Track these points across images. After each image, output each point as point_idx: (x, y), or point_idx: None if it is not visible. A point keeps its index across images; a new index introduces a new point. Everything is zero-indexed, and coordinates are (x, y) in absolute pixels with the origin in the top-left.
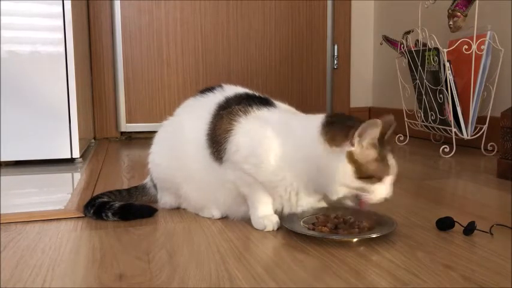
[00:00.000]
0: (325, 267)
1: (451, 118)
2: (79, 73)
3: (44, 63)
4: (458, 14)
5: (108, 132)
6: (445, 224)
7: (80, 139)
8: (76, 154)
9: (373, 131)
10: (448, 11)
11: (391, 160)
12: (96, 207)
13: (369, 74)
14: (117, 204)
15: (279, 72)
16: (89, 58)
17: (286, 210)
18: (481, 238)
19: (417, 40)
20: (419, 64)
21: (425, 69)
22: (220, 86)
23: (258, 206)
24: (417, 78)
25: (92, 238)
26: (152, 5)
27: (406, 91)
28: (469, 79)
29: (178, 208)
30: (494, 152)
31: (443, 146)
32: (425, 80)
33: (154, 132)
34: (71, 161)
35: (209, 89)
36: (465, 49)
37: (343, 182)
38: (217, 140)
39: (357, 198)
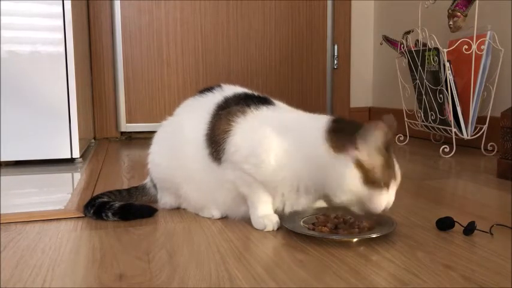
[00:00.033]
0: (325, 267)
1: (451, 118)
2: (79, 73)
3: (44, 63)
4: (458, 14)
5: (108, 132)
6: (445, 224)
7: (80, 139)
8: (76, 154)
9: (377, 134)
10: (448, 11)
11: (396, 167)
12: (96, 207)
13: (369, 74)
14: (117, 204)
15: (279, 72)
16: (89, 58)
17: (286, 210)
18: (481, 238)
19: (417, 40)
20: (419, 64)
21: (425, 69)
22: (219, 86)
23: (257, 206)
24: (417, 78)
25: (92, 238)
26: (152, 5)
27: (406, 91)
28: (469, 79)
29: (178, 208)
30: (494, 152)
31: (443, 146)
32: (425, 80)
33: (154, 132)
34: (71, 161)
35: (208, 89)
36: (465, 49)
37: (350, 188)
38: (216, 141)
39: (363, 206)
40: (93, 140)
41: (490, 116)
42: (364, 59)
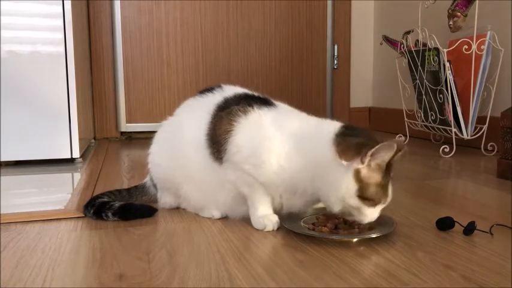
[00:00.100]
0: (325, 267)
1: (451, 118)
2: (79, 73)
3: (44, 63)
4: (458, 14)
5: (108, 132)
6: (445, 224)
7: (80, 139)
8: (76, 154)
9: (386, 154)
10: (448, 11)
11: (390, 188)
12: (96, 207)
13: (369, 74)
14: (117, 204)
15: (279, 72)
16: (89, 58)
17: (286, 210)
18: (481, 238)
19: (417, 40)
20: (419, 64)
21: (425, 69)
22: (219, 86)
23: (258, 206)
24: (417, 78)
25: (92, 238)
26: (152, 5)
27: (406, 91)
28: (469, 79)
29: (178, 208)
30: (494, 152)
31: (443, 146)
32: (425, 80)
33: (154, 132)
34: (71, 161)
35: (208, 89)
36: (465, 49)
37: (344, 196)
38: (217, 141)
39: (350, 214)
40: (93, 140)
41: (490, 116)
42: (364, 59)
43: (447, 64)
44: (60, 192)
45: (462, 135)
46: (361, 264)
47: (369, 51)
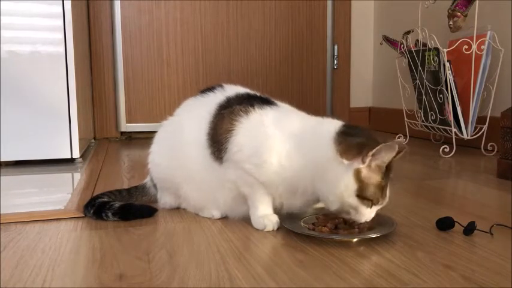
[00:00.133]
0: (325, 267)
1: (451, 118)
2: (79, 73)
3: (44, 63)
4: (458, 14)
5: (108, 132)
6: (445, 224)
7: (80, 139)
8: (76, 154)
9: (387, 155)
10: (448, 11)
11: (388, 190)
12: (96, 207)
13: (369, 74)
14: (117, 204)
15: (279, 72)
16: (89, 58)
17: (286, 210)
18: (481, 238)
19: (417, 40)
20: (419, 64)
21: (425, 69)
22: (220, 85)
23: (258, 206)
24: (417, 78)
25: (92, 238)
26: (152, 5)
27: (406, 91)
28: (469, 79)
29: (178, 208)
30: (494, 152)
31: (443, 146)
32: (425, 80)
33: (155, 132)
34: (71, 161)
35: (209, 88)
36: (465, 49)
37: (343, 195)
38: (218, 140)
39: (348, 213)
40: (93, 140)
41: (490, 116)
42: (364, 59)
43: (447, 64)
44: (60, 192)
45: (462, 135)
46: (361, 264)
47: (369, 51)
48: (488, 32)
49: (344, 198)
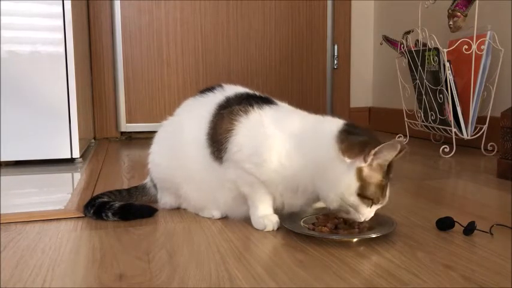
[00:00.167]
0: (325, 267)
1: (451, 118)
2: (79, 73)
3: (44, 63)
4: (458, 14)
5: (108, 132)
6: (445, 224)
7: (80, 139)
8: (76, 154)
9: (389, 154)
10: (448, 11)
11: (388, 190)
12: (96, 207)
13: (369, 74)
14: (117, 204)
15: (279, 72)
16: (89, 58)
17: (286, 210)
18: (481, 238)
19: (417, 40)
20: (419, 64)
21: (425, 69)
22: (220, 85)
23: (258, 206)
24: (417, 78)
25: (92, 238)
26: (152, 5)
27: (406, 91)
28: (469, 79)
29: (178, 208)
30: (494, 152)
31: (443, 146)
32: (425, 80)
33: (155, 132)
34: (71, 161)
35: (209, 88)
36: (465, 49)
37: (343, 193)
38: (218, 140)
39: (348, 212)
40: (93, 140)
41: (490, 116)
42: (364, 59)
43: (447, 64)
44: (60, 192)
45: (462, 135)
46: (361, 264)
47: (369, 51)
48: (488, 32)
49: (345, 196)
